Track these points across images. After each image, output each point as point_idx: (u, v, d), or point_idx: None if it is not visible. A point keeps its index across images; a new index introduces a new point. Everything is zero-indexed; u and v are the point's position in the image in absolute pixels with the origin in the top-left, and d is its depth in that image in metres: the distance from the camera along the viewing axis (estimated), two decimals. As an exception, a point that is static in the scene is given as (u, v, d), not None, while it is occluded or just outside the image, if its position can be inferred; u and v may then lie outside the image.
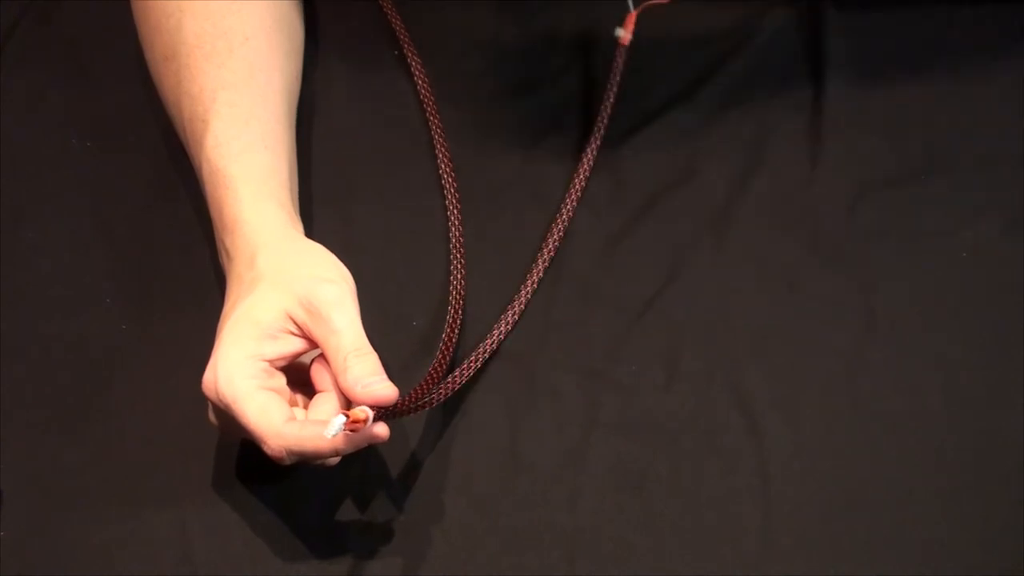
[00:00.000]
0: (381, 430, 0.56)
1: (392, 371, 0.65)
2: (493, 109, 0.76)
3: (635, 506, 0.62)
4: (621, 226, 0.71)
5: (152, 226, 0.71)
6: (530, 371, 0.66)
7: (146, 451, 0.64)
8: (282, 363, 0.58)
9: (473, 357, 0.64)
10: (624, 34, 0.73)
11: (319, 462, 0.58)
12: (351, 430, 0.54)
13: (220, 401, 0.56)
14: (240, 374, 0.55)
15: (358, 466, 0.62)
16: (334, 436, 0.53)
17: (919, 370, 0.66)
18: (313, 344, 0.58)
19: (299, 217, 0.64)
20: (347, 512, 0.62)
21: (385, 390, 0.56)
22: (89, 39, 0.78)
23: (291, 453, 0.55)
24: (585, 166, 0.72)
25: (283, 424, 0.55)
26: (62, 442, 0.64)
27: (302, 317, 0.57)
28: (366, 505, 0.62)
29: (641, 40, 0.73)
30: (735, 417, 0.64)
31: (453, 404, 0.65)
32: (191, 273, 0.69)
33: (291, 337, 0.57)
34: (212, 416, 0.59)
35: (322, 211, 0.70)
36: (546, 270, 0.69)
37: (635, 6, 0.73)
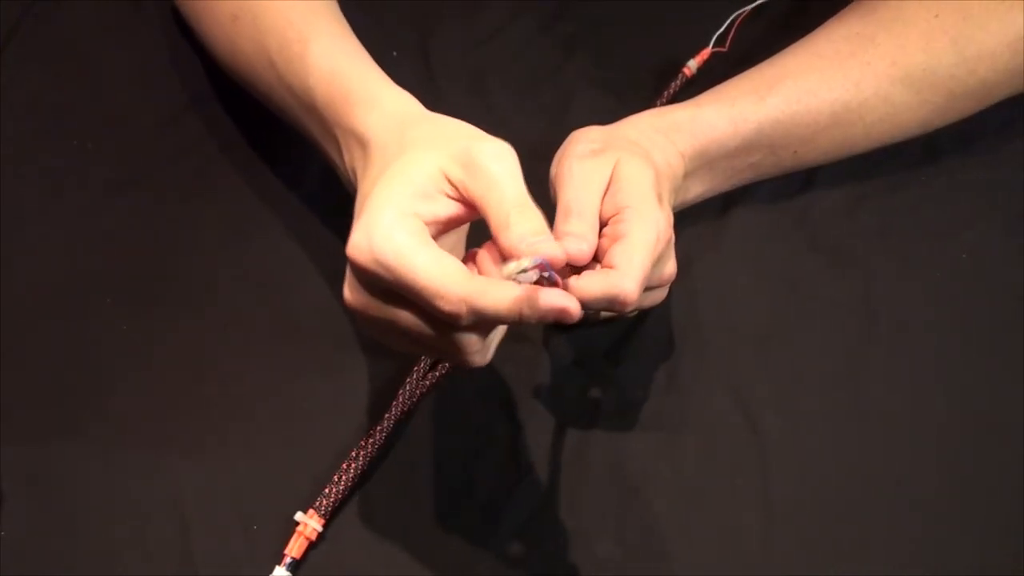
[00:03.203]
0: (571, 304, 0.47)
1: (394, 371, 0.65)
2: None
3: (635, 506, 0.62)
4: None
5: (153, 226, 0.71)
6: (531, 371, 0.66)
7: (146, 451, 0.64)
8: (435, 228, 0.51)
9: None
10: (694, 66, 0.75)
11: (473, 354, 0.52)
12: (536, 282, 0.47)
13: (377, 262, 0.48)
14: (400, 230, 0.48)
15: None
16: (518, 287, 0.46)
17: (919, 370, 0.66)
18: (469, 207, 0.51)
19: None
20: (347, 514, 0.62)
21: (553, 249, 0.48)
22: (89, 39, 0.78)
23: (472, 309, 0.47)
24: None
25: (463, 274, 0.48)
26: (62, 442, 0.64)
27: (458, 174, 0.50)
28: (366, 507, 0.62)
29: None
30: (735, 417, 0.64)
31: (453, 405, 0.65)
32: (191, 273, 0.69)
33: (445, 199, 0.51)
34: (351, 294, 0.52)
35: (322, 215, 0.70)
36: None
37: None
